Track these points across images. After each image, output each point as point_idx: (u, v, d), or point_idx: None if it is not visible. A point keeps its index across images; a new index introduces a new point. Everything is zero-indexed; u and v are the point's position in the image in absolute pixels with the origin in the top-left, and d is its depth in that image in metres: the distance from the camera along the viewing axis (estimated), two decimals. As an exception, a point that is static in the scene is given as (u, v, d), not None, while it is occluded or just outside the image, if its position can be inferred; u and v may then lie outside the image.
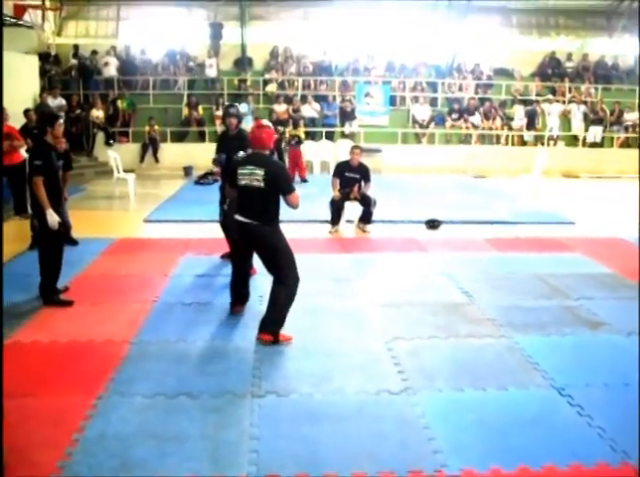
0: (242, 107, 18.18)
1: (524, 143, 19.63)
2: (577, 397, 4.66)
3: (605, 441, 4.06)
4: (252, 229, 5.54)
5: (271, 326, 5.52)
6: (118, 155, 14.17)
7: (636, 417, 4.31)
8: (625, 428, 4.20)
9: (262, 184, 5.43)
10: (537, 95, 20.56)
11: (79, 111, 17.60)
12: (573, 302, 6.83)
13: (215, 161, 7.71)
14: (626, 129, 19.96)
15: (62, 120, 6.65)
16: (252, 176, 5.47)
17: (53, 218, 6.21)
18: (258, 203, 5.49)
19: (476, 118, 19.61)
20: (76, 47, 19.71)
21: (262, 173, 5.43)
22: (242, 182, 5.53)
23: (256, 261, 6.24)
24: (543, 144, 19.46)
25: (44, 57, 18.44)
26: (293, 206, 5.59)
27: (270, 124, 5.93)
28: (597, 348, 5.67)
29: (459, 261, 8.41)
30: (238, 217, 5.62)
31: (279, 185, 5.50)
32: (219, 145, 7.77)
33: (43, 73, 17.63)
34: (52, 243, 6.42)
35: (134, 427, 4.15)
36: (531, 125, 19.71)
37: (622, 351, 5.59)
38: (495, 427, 4.23)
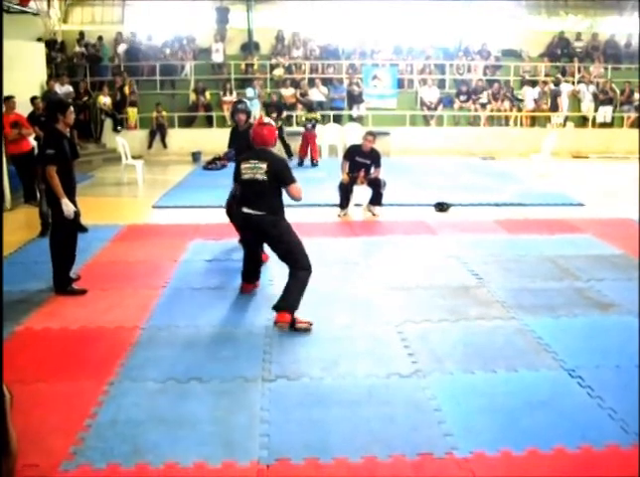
0: (249, 92, 18.19)
1: (533, 124, 19.52)
2: (588, 378, 4.65)
3: (616, 423, 4.05)
4: (257, 219, 5.69)
5: (287, 305, 5.55)
6: (126, 141, 14.16)
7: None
8: (636, 409, 4.18)
9: (265, 177, 5.61)
10: (546, 76, 20.39)
11: (86, 98, 17.60)
12: (584, 284, 6.80)
13: (224, 156, 7.75)
14: (636, 109, 19.77)
15: (72, 108, 6.59)
16: (256, 169, 5.64)
17: (68, 207, 6.16)
18: (262, 195, 5.65)
19: (484, 99, 19.49)
20: (81, 33, 19.67)
21: (265, 166, 5.61)
22: (246, 176, 5.70)
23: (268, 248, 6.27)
24: (552, 125, 19.31)
25: (50, 44, 18.44)
26: (295, 197, 5.76)
27: (272, 122, 6.05)
28: (608, 329, 5.65)
29: (469, 244, 8.39)
30: (244, 209, 5.76)
31: (281, 177, 5.65)
32: (230, 140, 7.83)
33: (49, 60, 17.62)
34: (66, 233, 6.40)
35: (146, 412, 4.17)
36: (553, 107, 19.55)
37: (633, 332, 5.55)
38: (505, 409, 4.23)
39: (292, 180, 5.69)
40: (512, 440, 3.85)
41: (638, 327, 5.50)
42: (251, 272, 6.42)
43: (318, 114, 16.90)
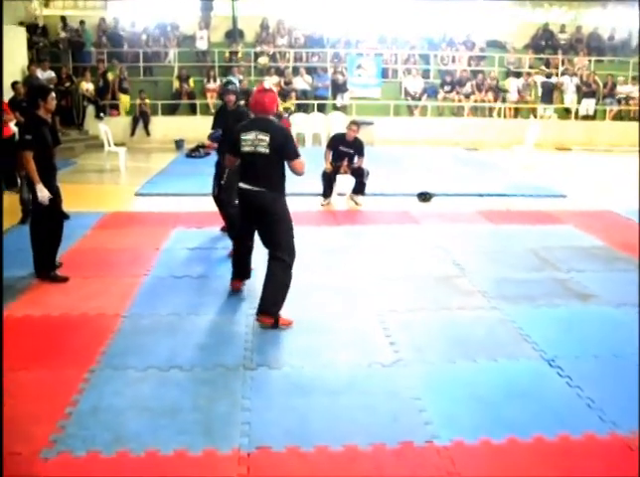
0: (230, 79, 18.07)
1: (516, 115, 19.60)
2: (567, 368, 4.70)
3: (594, 412, 4.10)
4: (256, 196, 5.34)
5: (272, 308, 5.31)
6: (109, 128, 14.07)
7: (626, 388, 4.39)
8: (614, 399, 4.25)
9: (268, 150, 5.25)
10: (530, 68, 20.47)
11: (68, 84, 17.43)
12: (564, 274, 6.86)
13: (210, 136, 7.59)
14: (619, 102, 19.90)
15: (54, 93, 6.52)
16: (257, 142, 5.28)
17: (43, 193, 6.08)
18: (263, 169, 5.31)
19: (472, 89, 19.53)
20: (63, 18, 19.45)
21: (268, 138, 5.25)
22: (246, 148, 5.32)
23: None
24: (535, 116, 19.40)
25: (31, 28, 18.23)
26: (298, 172, 5.42)
27: (274, 87, 5.78)
28: (587, 320, 5.71)
29: (451, 234, 8.43)
30: (241, 184, 5.44)
31: (285, 151, 5.31)
32: (215, 120, 7.65)
33: (31, 45, 17.44)
34: (48, 219, 6.34)
35: (127, 400, 4.16)
36: (547, 99, 19.61)
37: (612, 322, 5.64)
38: (485, 399, 4.26)
39: (297, 154, 5.34)
40: (491, 429, 3.88)
41: (639, 319, 5.54)
42: (243, 269, 6.11)
43: (291, 103, 16.90)
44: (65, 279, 6.40)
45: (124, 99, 18.00)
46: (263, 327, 5.34)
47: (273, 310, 5.31)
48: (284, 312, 5.40)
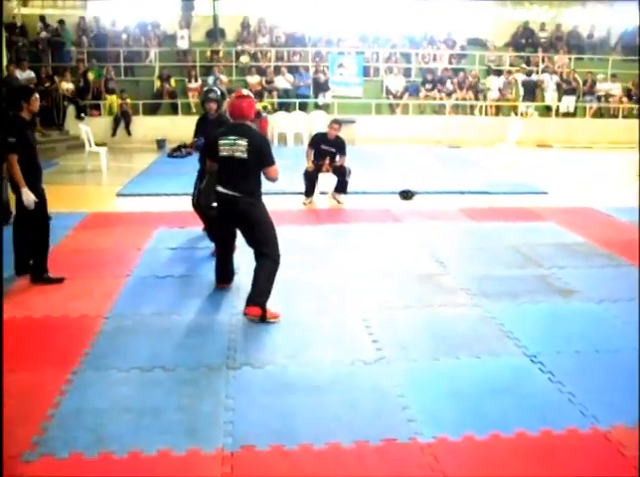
0: (210, 79, 18.06)
1: (498, 113, 19.69)
2: (549, 364, 4.73)
3: (575, 406, 4.13)
4: (235, 201, 5.42)
5: (258, 298, 5.39)
6: (90, 129, 13.99)
7: (606, 383, 4.45)
8: (595, 394, 4.29)
9: (245, 155, 5.33)
10: (510, 66, 20.58)
11: (48, 84, 17.30)
12: (546, 271, 6.90)
13: (192, 145, 7.60)
14: (598, 99, 20.06)
15: (37, 94, 6.43)
16: (235, 147, 5.35)
17: (28, 196, 5.98)
18: (240, 174, 5.38)
19: (454, 86, 19.60)
20: (42, 17, 19.30)
21: (246, 144, 5.33)
22: (224, 153, 5.40)
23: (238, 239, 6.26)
24: (516, 114, 19.51)
25: (9, 28, 18.07)
26: (272, 179, 5.53)
27: (251, 94, 5.81)
28: (569, 316, 5.75)
29: (433, 232, 8.46)
30: (219, 189, 5.51)
31: (262, 157, 5.40)
32: (197, 129, 7.64)
33: (9, 44, 17.29)
34: (30, 221, 6.24)
35: (109, 402, 4.14)
36: (528, 97, 19.72)
37: (593, 318, 5.68)
38: (468, 395, 4.28)
39: (273, 161, 5.43)
40: (474, 425, 3.90)
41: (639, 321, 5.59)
42: (226, 272, 6.16)
43: (269, 102, 16.93)
44: (60, 280, 6.34)
45: (111, 99, 17.92)
46: (251, 320, 5.38)
47: (260, 301, 5.39)
48: (270, 307, 5.44)
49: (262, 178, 5.55)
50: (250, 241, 5.62)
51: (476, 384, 4.45)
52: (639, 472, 3.43)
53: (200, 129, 7.51)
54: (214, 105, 7.39)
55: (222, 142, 5.42)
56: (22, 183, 5.97)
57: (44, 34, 18.89)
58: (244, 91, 5.82)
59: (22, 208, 6.09)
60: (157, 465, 3.51)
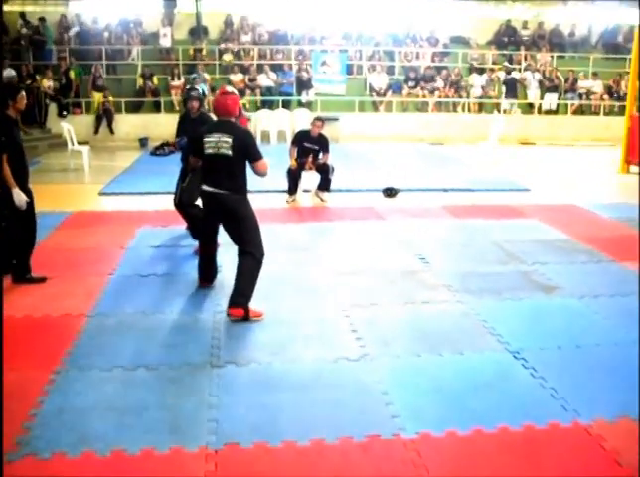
0: (193, 76, 18.00)
1: (480, 111, 19.77)
2: (531, 359, 4.76)
3: (557, 401, 4.17)
4: (220, 198, 5.42)
5: (241, 299, 5.37)
6: (72, 127, 13.90)
7: (588, 377, 4.49)
8: (576, 388, 4.33)
9: (230, 152, 5.33)
10: (493, 63, 20.66)
11: (29, 82, 17.16)
12: (528, 267, 6.94)
13: (175, 144, 7.58)
14: (580, 97, 20.20)
15: (24, 92, 6.35)
16: (219, 144, 5.35)
17: (20, 197, 5.91)
18: (226, 171, 5.38)
19: (439, 84, 19.64)
20: (22, 14, 19.12)
21: (230, 141, 5.33)
22: (209, 151, 5.39)
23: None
24: (499, 112, 19.60)
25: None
26: (261, 173, 5.51)
27: (235, 91, 5.80)
28: (551, 312, 5.79)
29: (416, 229, 8.49)
30: (204, 187, 5.50)
31: (248, 152, 5.40)
32: (179, 128, 7.62)
33: (-11, 42, 17.15)
34: (15, 221, 6.18)
35: (92, 401, 4.12)
36: (511, 94, 19.81)
37: (575, 314, 5.73)
38: (451, 391, 4.31)
39: (260, 155, 5.42)
40: (457, 421, 3.92)
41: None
42: (209, 270, 6.16)
43: (247, 100, 16.96)
44: (42, 280, 6.30)
45: (99, 97, 17.83)
46: (234, 320, 5.37)
47: (243, 302, 5.38)
48: (253, 306, 5.44)
49: (249, 174, 5.53)
50: (235, 239, 5.59)
51: (459, 380, 4.47)
52: (639, 466, 3.47)
53: (182, 128, 7.49)
54: (195, 104, 7.37)
55: (206, 140, 5.42)
56: (13, 183, 5.89)
57: (24, 31, 18.72)
58: (229, 89, 5.79)
59: (12, 208, 6.00)
60: (141, 464, 3.50)
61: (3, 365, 3.81)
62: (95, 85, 17.91)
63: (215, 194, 5.43)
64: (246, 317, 5.37)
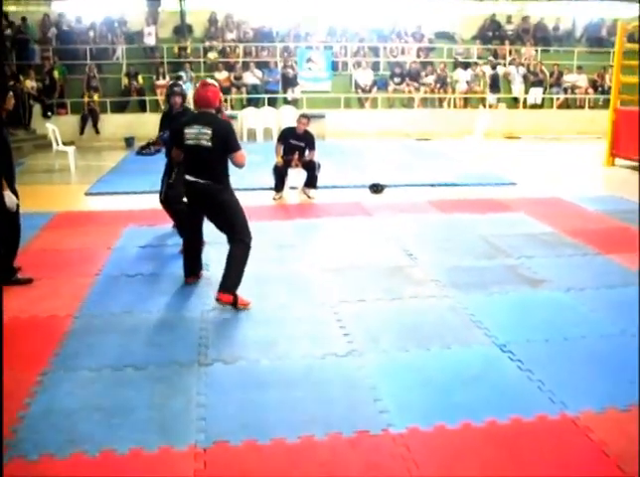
0: (181, 75, 17.93)
1: (466, 106, 19.81)
2: (518, 352, 4.78)
3: (544, 394, 4.19)
4: (203, 187, 5.51)
5: (230, 284, 5.47)
6: (57, 127, 13.83)
7: (574, 369, 4.52)
8: (563, 380, 4.35)
9: (210, 143, 5.41)
10: (478, 58, 20.71)
11: (12, 83, 17.03)
12: (515, 261, 6.97)
13: (158, 139, 7.57)
14: (565, 91, 20.28)
15: (12, 92, 6.27)
16: (200, 135, 5.44)
17: (11, 199, 5.89)
18: (207, 162, 5.48)
19: (428, 79, 19.66)
20: (5, 14, 18.98)
21: (210, 132, 5.41)
22: (190, 142, 5.49)
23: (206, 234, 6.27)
24: (484, 106, 19.64)
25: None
26: (239, 164, 5.59)
27: (215, 82, 5.86)
28: (538, 305, 5.81)
29: (403, 224, 8.50)
30: (187, 177, 5.59)
31: (227, 143, 5.48)
32: (162, 124, 7.60)
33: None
34: (5, 223, 6.13)
35: (80, 401, 4.11)
36: (495, 88, 19.86)
37: (561, 307, 5.75)
38: (439, 385, 4.32)
39: (238, 146, 5.52)
40: (445, 415, 3.93)
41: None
42: (194, 264, 6.21)
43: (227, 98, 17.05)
44: (29, 281, 6.27)
45: (93, 97, 17.76)
46: (222, 305, 5.45)
47: (232, 287, 5.47)
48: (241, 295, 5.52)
49: (234, 171, 5.62)
50: (222, 227, 5.70)
51: (447, 374, 4.49)
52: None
53: (165, 124, 7.47)
54: (178, 99, 7.37)
55: (187, 131, 5.52)
56: (3, 185, 5.85)
57: (8, 31, 18.58)
58: (209, 80, 5.88)
59: (1, 211, 5.94)
60: (129, 464, 3.50)
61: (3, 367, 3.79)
62: (90, 85, 17.81)
63: (198, 183, 5.53)
64: (235, 303, 5.47)
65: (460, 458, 3.56)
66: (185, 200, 5.88)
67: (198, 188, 5.55)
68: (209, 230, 6.14)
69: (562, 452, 3.59)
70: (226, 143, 5.47)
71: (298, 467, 3.48)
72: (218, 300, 5.49)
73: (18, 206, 6.15)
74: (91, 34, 19.44)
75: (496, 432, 3.79)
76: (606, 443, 3.64)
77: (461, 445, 3.67)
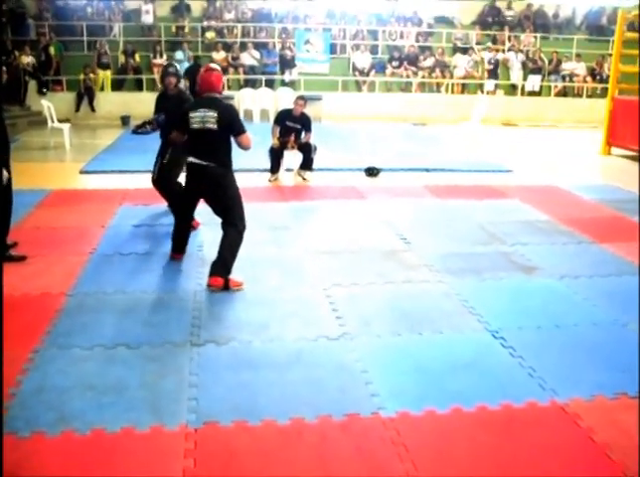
0: (178, 55, 17.86)
1: (463, 91, 19.75)
2: (510, 339, 4.80)
3: (535, 380, 4.21)
4: (206, 170, 5.58)
5: (221, 269, 5.53)
6: (52, 104, 13.74)
7: (565, 357, 4.54)
8: (554, 367, 4.37)
9: (215, 126, 5.51)
10: (477, 44, 20.62)
11: (6, 58, 16.88)
12: (509, 248, 6.98)
13: (153, 121, 7.54)
14: (563, 78, 20.22)
15: (4, 67, 6.20)
16: (206, 118, 5.52)
17: (5, 176, 5.85)
18: (212, 145, 5.56)
19: (427, 63, 19.58)
20: (1, -11, 18.86)
21: (215, 115, 5.50)
22: (195, 125, 5.57)
23: (199, 214, 6.25)
24: (482, 92, 19.59)
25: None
26: (245, 146, 5.68)
27: (219, 67, 5.91)
28: (531, 292, 5.83)
29: (398, 208, 8.50)
30: (191, 159, 5.64)
31: (232, 126, 5.57)
32: (157, 105, 7.57)
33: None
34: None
35: (72, 379, 4.11)
36: (494, 75, 19.80)
37: (554, 294, 5.77)
38: (430, 370, 4.33)
39: (243, 129, 5.61)
40: (436, 399, 3.95)
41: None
42: (182, 242, 6.30)
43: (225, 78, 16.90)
44: (22, 258, 6.24)
45: (104, 75, 17.70)
46: (214, 290, 5.48)
47: (222, 271, 5.53)
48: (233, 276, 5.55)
49: (234, 151, 5.67)
50: (219, 210, 5.76)
51: (438, 359, 4.50)
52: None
53: (160, 105, 7.45)
54: (173, 79, 7.33)
55: (192, 115, 5.58)
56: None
57: (4, 6, 18.40)
58: (213, 65, 5.96)
59: None
60: (121, 442, 3.50)
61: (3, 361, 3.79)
62: (100, 62, 17.74)
63: (201, 166, 5.58)
64: (226, 286, 5.51)
65: (450, 443, 3.58)
66: (180, 180, 5.90)
67: (201, 170, 5.59)
68: (205, 211, 6.13)
69: (551, 439, 3.61)
70: (231, 126, 5.57)
71: (288, 449, 3.49)
72: (209, 285, 5.54)
73: (10, 180, 6.11)
74: (89, 10, 19.27)
75: (486, 418, 3.80)
76: (594, 431, 3.66)
77: (451, 430, 3.69)
